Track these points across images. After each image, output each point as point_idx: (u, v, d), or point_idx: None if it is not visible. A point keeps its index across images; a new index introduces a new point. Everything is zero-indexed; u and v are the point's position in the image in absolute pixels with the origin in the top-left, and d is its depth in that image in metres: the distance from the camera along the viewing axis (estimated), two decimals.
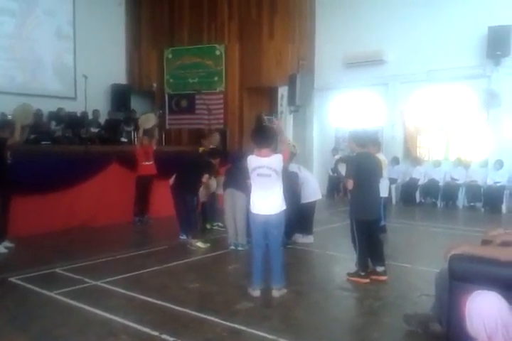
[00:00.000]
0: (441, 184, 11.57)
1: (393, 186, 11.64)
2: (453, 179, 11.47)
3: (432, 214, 10.74)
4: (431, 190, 11.67)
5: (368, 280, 5.08)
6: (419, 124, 12.29)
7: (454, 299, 3.00)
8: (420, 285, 4.97)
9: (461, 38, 11.12)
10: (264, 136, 4.63)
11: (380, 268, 5.27)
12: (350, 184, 5.05)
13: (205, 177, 6.76)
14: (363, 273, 5.12)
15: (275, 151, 4.78)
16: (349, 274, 5.21)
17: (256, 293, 4.61)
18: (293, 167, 6.92)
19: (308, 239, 7.05)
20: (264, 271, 4.69)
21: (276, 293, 4.61)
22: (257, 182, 4.64)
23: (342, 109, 13.41)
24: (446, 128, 11.98)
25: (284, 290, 4.66)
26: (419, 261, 6.13)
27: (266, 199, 4.62)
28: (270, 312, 4.18)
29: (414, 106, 12.28)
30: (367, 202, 5.11)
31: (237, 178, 6.22)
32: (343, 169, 6.11)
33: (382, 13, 12.21)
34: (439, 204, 11.49)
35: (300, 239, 7.01)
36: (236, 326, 3.81)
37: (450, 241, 4.37)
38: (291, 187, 6.13)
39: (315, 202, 7.18)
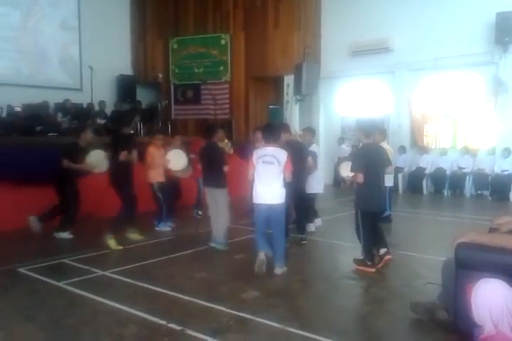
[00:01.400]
0: (448, 172, 11.51)
1: (400, 175, 11.62)
2: (460, 167, 11.40)
3: (439, 202, 10.71)
4: (438, 178, 11.63)
5: (373, 270, 5.09)
6: (426, 112, 12.19)
7: (461, 287, 3.00)
8: (426, 273, 4.96)
9: (469, 24, 10.97)
10: (272, 133, 5.18)
11: (382, 250, 5.37)
12: (360, 178, 5.01)
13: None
14: (369, 263, 5.15)
15: (281, 147, 5.28)
16: (356, 261, 5.25)
17: (261, 255, 5.07)
18: (314, 147, 7.16)
19: (310, 228, 7.07)
20: (266, 241, 5.17)
21: (278, 270, 5.03)
22: (261, 170, 5.04)
23: (348, 98, 13.33)
24: (453, 117, 11.88)
25: (285, 268, 5.07)
26: (425, 249, 6.12)
27: (269, 188, 5.01)
28: (276, 301, 4.20)
29: (421, 94, 12.17)
30: (374, 193, 5.09)
31: (212, 173, 6.04)
32: (344, 170, 6.21)
33: (388, 1, 12.07)
34: (446, 193, 11.44)
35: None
36: (242, 315, 3.83)
37: (457, 230, 4.36)
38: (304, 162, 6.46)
39: (316, 194, 7.27)
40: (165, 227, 7.18)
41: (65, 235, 6.52)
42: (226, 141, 8.11)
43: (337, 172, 6.93)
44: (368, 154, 5.14)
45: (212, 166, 6.01)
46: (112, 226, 6.11)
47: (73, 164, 6.35)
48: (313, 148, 7.11)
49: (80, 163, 6.40)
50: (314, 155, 6.91)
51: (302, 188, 6.43)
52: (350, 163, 5.58)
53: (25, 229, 6.55)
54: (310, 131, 7.59)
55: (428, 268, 5.15)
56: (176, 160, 7.17)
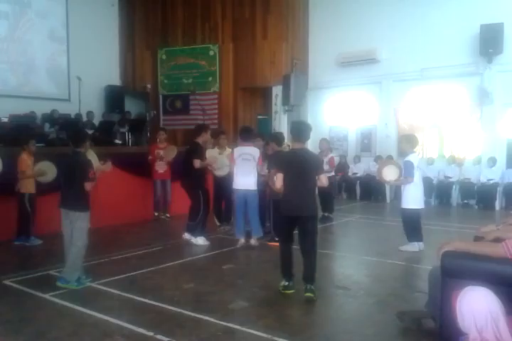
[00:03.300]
0: (434, 182, 11.61)
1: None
2: (446, 177, 11.51)
3: (426, 211, 10.72)
4: (425, 188, 11.65)
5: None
6: (412, 122, 12.32)
7: (446, 295, 3.02)
8: (414, 282, 5.00)
9: (454, 36, 11.18)
10: (248, 135, 6.76)
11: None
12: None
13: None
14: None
15: (254, 145, 6.82)
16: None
17: (241, 240, 6.64)
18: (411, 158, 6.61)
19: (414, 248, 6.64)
20: (243, 226, 6.66)
21: (254, 241, 6.63)
22: (241, 165, 6.54)
23: (336, 108, 13.44)
24: (440, 126, 12.02)
25: (258, 242, 6.57)
26: (412, 258, 6.16)
27: (246, 178, 6.50)
28: (265, 311, 4.19)
29: (408, 104, 12.32)
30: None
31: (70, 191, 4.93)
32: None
33: (375, 12, 12.25)
34: (432, 202, 11.52)
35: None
36: (231, 325, 3.82)
37: (443, 239, 4.40)
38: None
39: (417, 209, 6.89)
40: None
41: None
42: (228, 149, 7.92)
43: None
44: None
45: (71, 182, 4.86)
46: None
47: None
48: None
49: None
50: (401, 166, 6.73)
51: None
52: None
53: (9, 240, 6.49)
54: (326, 141, 8.09)
55: (415, 277, 5.18)
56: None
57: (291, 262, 4.71)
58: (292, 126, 4.96)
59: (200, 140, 6.86)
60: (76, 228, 4.81)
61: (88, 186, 4.79)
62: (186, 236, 6.89)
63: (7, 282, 4.96)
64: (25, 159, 6.59)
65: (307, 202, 4.58)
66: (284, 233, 4.79)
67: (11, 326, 3.84)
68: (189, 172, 6.73)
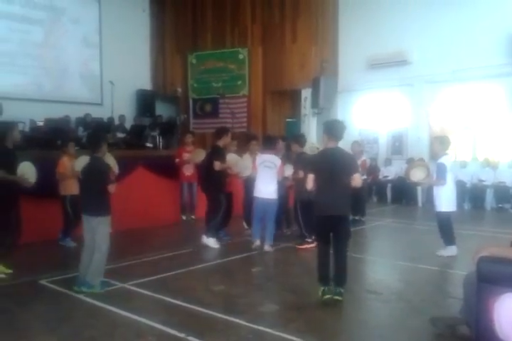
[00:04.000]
0: (468, 185, 11.36)
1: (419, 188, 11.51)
2: (480, 180, 11.25)
3: (460, 216, 10.51)
4: (458, 191, 11.43)
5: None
6: (445, 125, 12.10)
7: (483, 302, 2.95)
8: (447, 287, 4.90)
9: (487, 35, 10.92)
10: (269, 143, 6.90)
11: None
12: None
13: None
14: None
15: (276, 153, 6.91)
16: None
17: (257, 242, 6.70)
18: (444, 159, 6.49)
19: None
20: (260, 230, 6.76)
21: (267, 247, 6.62)
22: (263, 172, 6.63)
23: (366, 111, 13.31)
24: (473, 129, 11.77)
25: (272, 249, 6.60)
26: (445, 263, 6.04)
27: (267, 186, 6.57)
28: (295, 315, 4.17)
29: (440, 106, 12.11)
30: None
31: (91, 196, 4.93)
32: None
33: (405, 13, 12.09)
34: (466, 206, 11.28)
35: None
36: (261, 328, 3.82)
37: (478, 244, 4.30)
38: None
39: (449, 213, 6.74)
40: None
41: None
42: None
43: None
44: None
45: (91, 187, 4.85)
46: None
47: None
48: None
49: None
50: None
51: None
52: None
53: (47, 240, 6.66)
54: (358, 144, 8.03)
55: (449, 283, 5.07)
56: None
57: (328, 265, 4.58)
58: (327, 124, 4.85)
59: (221, 143, 6.91)
60: (98, 233, 4.80)
61: (112, 188, 4.80)
62: (205, 239, 6.98)
63: (43, 282, 5.08)
64: (65, 161, 6.74)
65: (339, 202, 4.49)
66: (320, 235, 4.70)
67: (48, 325, 3.94)
68: (209, 175, 6.80)
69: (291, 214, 7.54)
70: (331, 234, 4.55)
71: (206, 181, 7.00)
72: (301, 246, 6.79)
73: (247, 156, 7.64)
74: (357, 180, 4.58)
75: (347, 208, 4.62)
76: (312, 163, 4.74)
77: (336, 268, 4.51)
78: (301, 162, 6.64)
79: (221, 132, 7.02)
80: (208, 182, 6.92)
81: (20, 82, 12.18)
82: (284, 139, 7.83)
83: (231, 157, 7.30)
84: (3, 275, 5.29)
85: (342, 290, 4.44)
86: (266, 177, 6.60)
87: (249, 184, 7.51)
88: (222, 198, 6.83)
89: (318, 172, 4.57)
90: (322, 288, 4.49)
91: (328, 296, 4.42)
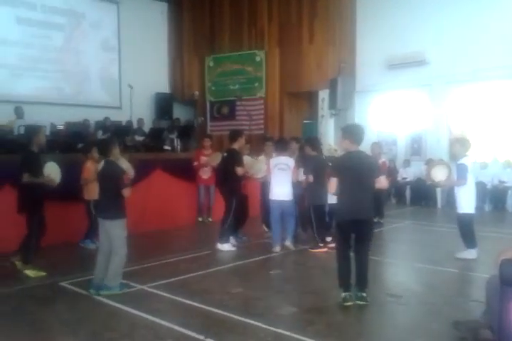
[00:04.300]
0: (489, 187, 11.17)
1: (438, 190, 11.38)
2: (501, 181, 11.07)
3: (480, 218, 10.36)
4: (478, 193, 11.27)
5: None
6: (465, 125, 11.92)
7: (505, 305, 2.90)
8: (469, 290, 4.83)
9: (507, 34, 10.74)
10: (282, 145, 6.94)
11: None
12: None
13: None
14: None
15: (290, 155, 6.95)
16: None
17: (278, 248, 6.65)
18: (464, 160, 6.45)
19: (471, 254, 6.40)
20: (280, 234, 6.73)
21: (288, 242, 6.78)
22: (277, 175, 6.67)
23: (384, 112, 13.20)
24: (494, 129, 11.57)
25: (292, 247, 6.75)
26: (466, 266, 5.95)
27: (282, 188, 6.62)
28: (314, 317, 4.15)
29: (460, 106, 11.94)
30: None
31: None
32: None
33: (423, 13, 11.96)
34: (486, 208, 11.09)
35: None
36: (280, 331, 3.81)
37: (499, 246, 4.23)
38: None
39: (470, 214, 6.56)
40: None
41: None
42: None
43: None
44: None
45: (105, 191, 4.92)
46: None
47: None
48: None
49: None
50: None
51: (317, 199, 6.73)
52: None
53: (68, 243, 6.74)
54: (377, 145, 7.98)
55: (470, 285, 5.00)
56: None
57: (349, 271, 4.52)
58: (348, 128, 4.79)
59: (236, 146, 6.89)
60: (114, 236, 4.81)
61: (126, 192, 4.80)
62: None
63: (64, 283, 5.15)
64: (89, 166, 6.81)
65: (364, 206, 4.44)
66: (342, 239, 4.60)
67: (68, 326, 3.99)
68: (227, 178, 6.79)
69: (305, 218, 7.49)
70: (355, 238, 4.50)
71: (223, 184, 6.99)
72: (313, 250, 6.75)
73: (262, 158, 7.65)
74: (382, 181, 4.57)
75: (371, 211, 4.57)
76: (336, 167, 4.68)
77: (358, 273, 4.47)
78: (312, 165, 6.68)
79: (236, 135, 7.00)
80: (225, 186, 6.92)
81: (41, 86, 12.40)
82: (298, 141, 7.78)
83: (247, 159, 7.30)
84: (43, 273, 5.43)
85: (364, 294, 4.39)
86: (280, 180, 6.65)
87: (265, 186, 7.50)
88: (234, 200, 6.79)
89: (342, 176, 4.48)
90: (344, 294, 4.44)
91: (349, 303, 4.38)
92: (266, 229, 7.87)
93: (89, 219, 6.84)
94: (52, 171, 5.81)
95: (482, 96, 11.49)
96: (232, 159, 6.76)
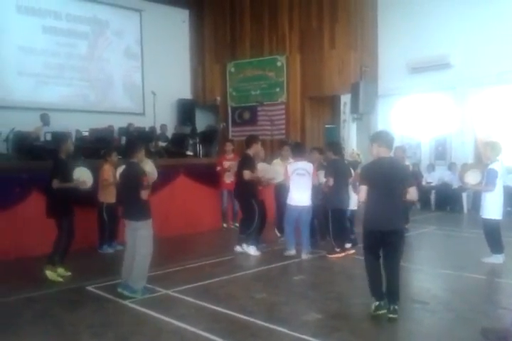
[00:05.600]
0: None
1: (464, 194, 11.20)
2: None
3: (507, 222, 10.15)
4: (505, 197, 11.05)
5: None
6: (490, 129, 11.72)
7: None
8: (496, 297, 4.73)
9: None
10: (300, 150, 6.94)
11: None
12: None
13: None
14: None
15: (310, 157, 7.01)
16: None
17: (292, 251, 6.67)
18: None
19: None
20: (294, 239, 6.69)
21: (304, 256, 6.57)
22: (296, 180, 6.58)
23: (407, 116, 13.06)
24: None
25: (310, 256, 6.57)
26: (493, 272, 5.84)
27: (301, 194, 6.52)
28: (339, 324, 4.12)
29: (485, 109, 11.74)
30: None
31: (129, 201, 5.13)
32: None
33: (446, 15, 11.82)
34: None
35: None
36: (304, 337, 3.79)
37: None
38: None
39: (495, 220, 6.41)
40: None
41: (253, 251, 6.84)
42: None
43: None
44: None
45: (129, 192, 4.98)
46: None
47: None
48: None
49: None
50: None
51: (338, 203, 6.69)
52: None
53: (89, 248, 6.83)
54: (401, 149, 7.92)
55: (498, 292, 4.90)
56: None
57: (380, 280, 4.35)
58: (379, 134, 4.61)
59: (251, 152, 6.93)
60: (139, 236, 4.89)
61: (144, 194, 4.84)
62: (238, 249, 6.95)
63: (90, 288, 5.22)
64: (107, 169, 6.94)
65: (393, 215, 4.25)
66: (370, 250, 4.40)
67: (94, 330, 4.03)
68: (240, 183, 6.84)
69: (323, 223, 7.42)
70: (384, 248, 4.32)
71: (238, 189, 7.06)
72: (330, 255, 6.68)
73: (278, 161, 7.64)
74: (413, 194, 4.32)
75: (400, 221, 4.39)
76: (366, 174, 4.45)
77: (388, 285, 4.28)
78: (332, 168, 6.65)
79: (251, 141, 7.04)
80: (239, 190, 6.97)
81: (66, 93, 12.65)
82: (321, 152, 7.51)
83: (262, 166, 7.30)
84: (60, 279, 5.50)
85: (396, 307, 4.22)
86: (299, 185, 6.56)
87: (279, 191, 7.47)
88: (255, 204, 6.81)
89: (372, 183, 4.29)
90: (377, 302, 4.30)
91: (382, 312, 4.24)
92: (279, 234, 7.85)
93: (100, 224, 6.97)
94: (83, 175, 5.98)
95: (507, 99, 11.28)
96: (244, 164, 6.81)
